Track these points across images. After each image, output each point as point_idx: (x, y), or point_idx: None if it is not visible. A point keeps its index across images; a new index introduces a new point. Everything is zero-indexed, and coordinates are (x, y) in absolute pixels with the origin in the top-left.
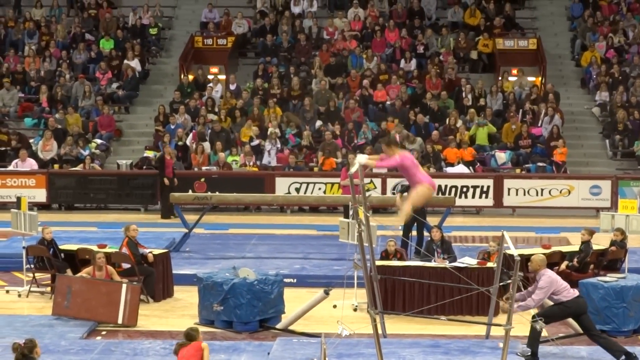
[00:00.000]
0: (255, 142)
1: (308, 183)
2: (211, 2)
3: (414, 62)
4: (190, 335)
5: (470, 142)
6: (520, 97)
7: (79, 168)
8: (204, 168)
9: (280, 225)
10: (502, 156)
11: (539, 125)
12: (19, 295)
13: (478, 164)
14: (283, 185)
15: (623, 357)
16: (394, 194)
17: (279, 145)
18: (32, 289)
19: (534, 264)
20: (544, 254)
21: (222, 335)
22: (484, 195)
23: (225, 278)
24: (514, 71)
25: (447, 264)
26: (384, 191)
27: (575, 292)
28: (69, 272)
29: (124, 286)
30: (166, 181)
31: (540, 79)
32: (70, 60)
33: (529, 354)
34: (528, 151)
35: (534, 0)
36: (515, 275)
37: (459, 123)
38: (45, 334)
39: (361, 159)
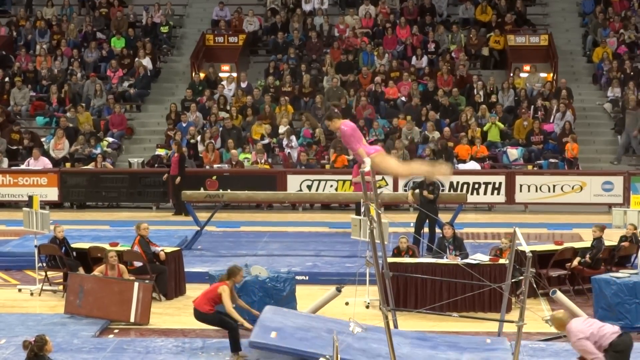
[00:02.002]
0: (267, 140)
1: (320, 180)
2: (222, 0)
3: (425, 59)
4: (227, 272)
5: (482, 139)
6: (532, 94)
7: (90, 166)
8: (215, 166)
9: (292, 222)
10: (514, 153)
11: (551, 121)
12: (32, 294)
13: (488, 160)
14: (295, 183)
15: None
16: (405, 190)
17: (294, 143)
18: (44, 287)
19: (555, 325)
20: (556, 250)
21: None
22: (495, 191)
23: None
24: (526, 67)
25: (459, 260)
26: (395, 188)
27: (616, 330)
28: (81, 270)
29: (136, 284)
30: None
31: (551, 75)
32: (82, 59)
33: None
34: (540, 147)
35: None
36: (527, 271)
37: (471, 120)
38: (57, 333)
39: (367, 161)
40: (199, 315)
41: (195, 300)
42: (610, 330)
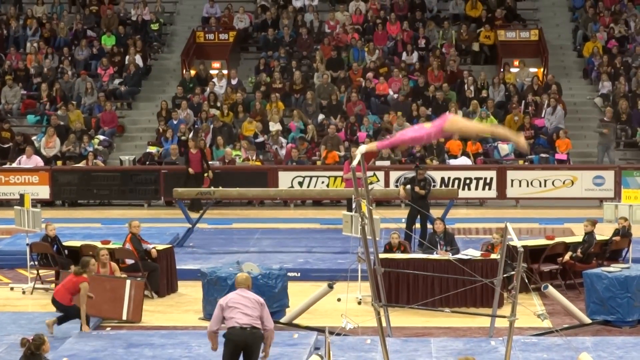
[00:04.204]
0: (260, 139)
1: (311, 177)
2: None
3: (415, 54)
4: (81, 265)
5: None
6: (522, 89)
7: (82, 164)
8: None
9: (284, 219)
10: (505, 147)
11: (542, 116)
12: (24, 292)
13: (480, 156)
14: (286, 179)
15: None
16: (397, 186)
17: (283, 142)
18: (36, 285)
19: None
20: (547, 244)
21: None
22: (487, 187)
23: (229, 273)
24: (516, 62)
25: (449, 255)
26: (387, 184)
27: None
28: (72, 268)
29: (128, 282)
30: (191, 170)
31: (542, 70)
32: (72, 57)
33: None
34: (531, 142)
35: None
36: (519, 266)
37: (461, 115)
38: None
39: (361, 149)
40: (61, 307)
41: (55, 291)
42: (237, 317)
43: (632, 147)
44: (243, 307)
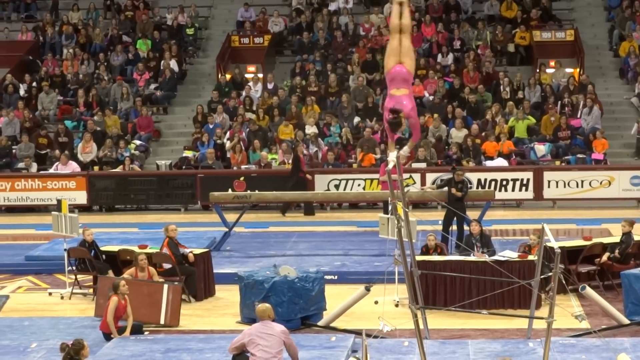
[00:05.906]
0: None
1: (347, 179)
2: (247, 1)
3: (450, 56)
4: (112, 288)
5: (509, 135)
6: (559, 89)
7: (118, 169)
8: (243, 167)
9: (320, 222)
10: (541, 148)
11: (578, 116)
12: (62, 298)
13: (514, 156)
14: (322, 182)
15: None
16: (433, 189)
17: (322, 144)
18: (74, 290)
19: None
20: (585, 245)
21: None
22: (523, 188)
23: (266, 276)
24: (552, 63)
25: (486, 257)
26: (423, 185)
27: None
28: (110, 273)
29: (166, 286)
30: (308, 177)
31: (578, 70)
32: (108, 63)
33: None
34: (567, 143)
35: None
36: (556, 267)
37: (498, 116)
38: (88, 335)
39: (393, 157)
40: (109, 337)
41: (100, 325)
42: (258, 355)
43: None
44: (263, 344)
